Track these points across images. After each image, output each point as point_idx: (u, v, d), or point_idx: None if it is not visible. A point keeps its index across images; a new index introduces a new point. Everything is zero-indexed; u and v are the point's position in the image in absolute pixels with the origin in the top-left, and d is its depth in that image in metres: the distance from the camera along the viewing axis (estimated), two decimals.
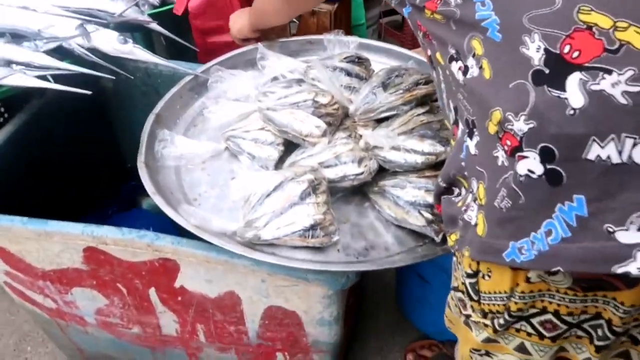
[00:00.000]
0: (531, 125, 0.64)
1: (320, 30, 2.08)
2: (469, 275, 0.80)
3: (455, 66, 0.77)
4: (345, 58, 1.37)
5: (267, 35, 1.56)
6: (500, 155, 0.69)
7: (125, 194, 1.90)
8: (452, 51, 0.77)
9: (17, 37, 1.38)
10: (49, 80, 1.30)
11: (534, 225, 0.66)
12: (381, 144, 1.15)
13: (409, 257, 1.07)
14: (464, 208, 0.78)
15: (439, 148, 1.12)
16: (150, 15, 1.72)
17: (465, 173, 0.79)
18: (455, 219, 0.81)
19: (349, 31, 2.36)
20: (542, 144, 0.63)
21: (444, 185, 0.87)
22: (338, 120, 1.25)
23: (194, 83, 1.47)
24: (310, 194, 1.08)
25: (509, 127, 0.66)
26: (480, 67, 0.71)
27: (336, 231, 1.08)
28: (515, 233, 0.67)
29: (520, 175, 0.65)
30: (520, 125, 0.64)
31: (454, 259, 0.88)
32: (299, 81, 1.40)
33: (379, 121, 1.24)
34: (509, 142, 0.67)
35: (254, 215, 1.08)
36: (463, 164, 0.79)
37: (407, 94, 1.18)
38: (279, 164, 1.26)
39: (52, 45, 1.34)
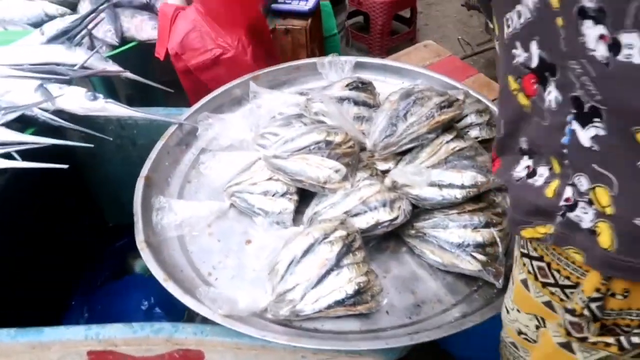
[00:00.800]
0: None
1: (295, 49, 1.94)
2: (594, 300, 0.66)
3: (593, 31, 0.54)
4: (347, 85, 1.23)
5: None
6: None
7: (113, 258, 1.71)
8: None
9: None
10: (14, 158, 1.12)
11: None
12: (412, 182, 1.03)
13: (469, 309, 0.95)
14: (562, 202, 0.63)
15: (481, 179, 1.00)
16: (111, 57, 1.55)
17: (565, 162, 0.63)
18: (542, 210, 0.65)
19: (322, 43, 2.23)
20: None
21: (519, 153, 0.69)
22: (356, 159, 1.11)
23: (179, 134, 1.30)
24: (347, 253, 0.94)
25: None
26: None
27: (382, 291, 0.94)
28: None
29: None
30: None
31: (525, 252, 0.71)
32: (299, 116, 1.26)
33: (401, 153, 1.12)
34: None
35: (285, 287, 0.93)
36: (565, 150, 0.62)
37: (432, 121, 1.05)
38: (296, 215, 1.11)
39: (12, 116, 1.15)
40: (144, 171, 1.19)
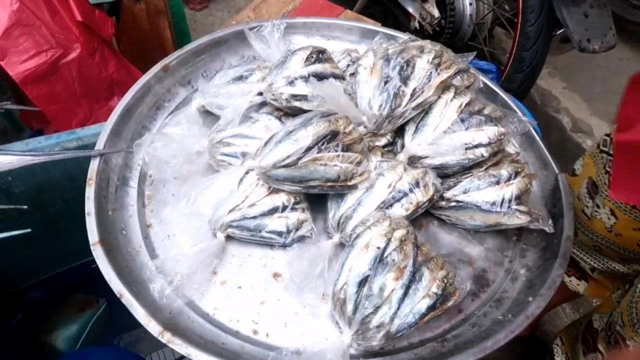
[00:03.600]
0: None
1: (153, 17, 1.58)
2: None
3: None
4: (306, 61, 1.04)
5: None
6: None
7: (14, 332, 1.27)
8: None
9: None
10: None
11: None
12: (433, 152, 0.95)
13: (528, 260, 0.95)
14: None
15: (502, 130, 0.96)
16: None
17: None
18: None
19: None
20: None
21: None
22: (366, 143, 0.97)
23: (105, 167, 0.96)
24: (418, 252, 0.84)
25: None
26: None
27: (456, 276, 0.88)
28: None
29: None
30: None
31: None
32: (260, 106, 1.05)
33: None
34: None
35: (365, 313, 0.80)
36: None
37: (436, 82, 0.96)
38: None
39: None
40: (93, 235, 0.85)
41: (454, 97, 0.99)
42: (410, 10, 2.12)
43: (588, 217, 1.14)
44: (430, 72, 0.97)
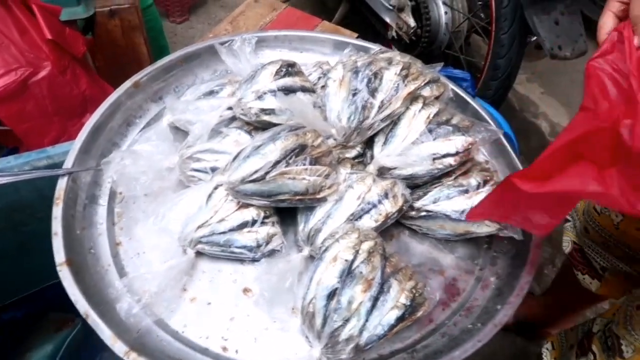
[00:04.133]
0: None
1: (128, 33, 1.58)
2: None
3: None
4: (275, 75, 1.05)
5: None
6: None
7: None
8: None
9: None
10: None
11: None
12: (402, 163, 0.96)
13: (498, 268, 0.95)
14: None
15: (470, 139, 0.97)
16: None
17: None
18: None
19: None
20: None
21: None
22: (334, 155, 0.97)
23: (73, 186, 0.96)
24: (387, 263, 0.84)
25: None
26: None
27: (425, 286, 0.88)
28: None
29: None
30: None
31: None
32: (230, 121, 1.05)
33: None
34: None
35: (333, 326, 0.80)
36: None
37: (403, 94, 0.97)
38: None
39: None
40: (60, 255, 0.85)
41: (422, 107, 1.00)
42: (387, 20, 2.14)
43: (598, 213, 1.17)
44: (398, 84, 0.98)
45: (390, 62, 1.03)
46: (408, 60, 1.05)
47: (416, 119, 0.99)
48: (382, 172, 0.98)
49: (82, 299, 0.79)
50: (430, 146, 0.96)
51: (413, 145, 0.97)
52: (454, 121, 1.00)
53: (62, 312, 1.38)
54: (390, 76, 0.98)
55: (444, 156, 0.96)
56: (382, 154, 0.97)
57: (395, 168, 0.97)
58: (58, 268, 0.83)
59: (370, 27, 2.41)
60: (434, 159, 0.96)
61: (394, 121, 0.99)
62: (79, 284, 0.82)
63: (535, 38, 1.73)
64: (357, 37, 1.56)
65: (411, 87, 0.98)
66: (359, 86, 0.97)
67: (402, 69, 1.00)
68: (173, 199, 0.93)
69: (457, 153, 0.96)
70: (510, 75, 1.75)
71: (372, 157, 1.00)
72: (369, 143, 1.02)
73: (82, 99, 1.29)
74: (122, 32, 1.54)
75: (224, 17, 2.49)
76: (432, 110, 1.00)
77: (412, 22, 2.03)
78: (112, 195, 0.99)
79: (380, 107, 0.96)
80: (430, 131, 0.97)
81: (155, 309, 0.85)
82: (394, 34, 2.16)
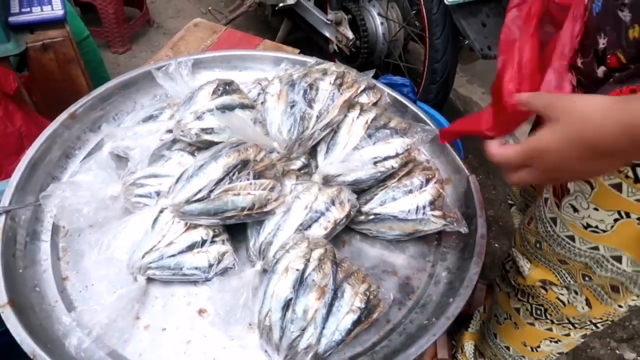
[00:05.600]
0: None
1: (64, 66, 1.55)
2: None
3: None
4: (213, 94, 1.05)
5: None
6: None
7: None
8: None
9: None
10: None
11: None
12: (345, 169, 0.98)
13: (449, 262, 0.98)
14: None
15: (408, 141, 1.00)
16: None
17: None
18: None
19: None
20: None
21: None
22: (278, 168, 0.98)
23: (11, 223, 0.93)
24: (338, 268, 0.85)
25: None
26: None
27: (379, 288, 0.89)
28: None
29: None
30: None
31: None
32: (172, 143, 1.04)
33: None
34: None
35: (291, 337, 0.80)
36: None
37: (339, 102, 0.99)
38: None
39: None
40: (2, 296, 0.82)
41: (359, 114, 1.03)
42: (327, 34, 2.18)
43: (534, 188, 1.23)
44: (333, 93, 1.00)
45: (325, 72, 1.05)
46: (342, 70, 1.08)
47: (355, 125, 1.01)
48: (328, 180, 0.99)
49: (28, 338, 0.76)
50: (370, 150, 0.98)
51: (354, 151, 0.99)
52: (391, 124, 1.03)
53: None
54: (326, 86, 1.01)
55: (385, 159, 0.98)
56: (325, 163, 0.99)
57: (339, 175, 0.99)
58: (0, 310, 0.80)
59: (314, 43, 2.45)
60: (376, 162, 0.98)
61: (334, 129, 1.01)
62: (24, 323, 0.79)
63: (467, 41, 1.81)
64: (299, 53, 1.59)
65: (346, 94, 1.00)
66: (296, 98, 0.99)
67: (336, 78, 1.02)
68: (117, 226, 0.91)
69: (397, 155, 0.99)
70: (448, 77, 1.82)
71: (316, 167, 1.01)
72: (313, 153, 1.04)
73: (18, 136, 1.25)
74: (58, 65, 1.51)
75: (165, 44, 2.47)
76: (370, 115, 1.03)
77: (350, 35, 2.08)
78: (55, 229, 0.96)
79: (318, 117, 0.98)
80: (369, 136, 1.00)
81: (108, 341, 0.82)
82: (335, 47, 2.20)
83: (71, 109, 1.10)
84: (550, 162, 0.60)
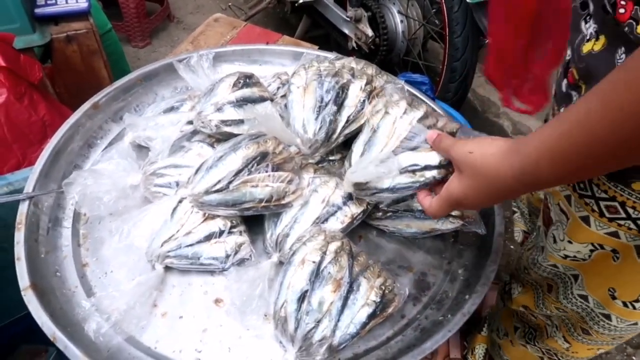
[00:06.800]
0: None
1: (87, 58, 1.57)
2: None
3: None
4: (233, 87, 1.06)
5: None
6: None
7: None
8: None
9: None
10: None
11: None
12: (378, 174, 0.86)
13: (465, 260, 0.98)
14: None
15: None
16: None
17: None
18: None
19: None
20: None
21: None
22: (297, 162, 0.98)
23: (35, 210, 0.94)
24: (354, 262, 0.86)
25: None
26: None
27: (395, 282, 0.89)
28: None
29: None
30: None
31: None
32: (192, 135, 1.06)
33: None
34: None
35: (306, 329, 0.80)
36: None
37: (368, 110, 0.97)
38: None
39: None
40: (24, 280, 0.83)
41: (404, 112, 0.96)
42: (346, 31, 2.18)
43: (532, 194, 1.26)
44: (364, 100, 0.98)
45: (353, 74, 1.03)
46: (370, 72, 1.06)
47: (397, 126, 0.91)
48: (361, 187, 0.90)
49: (49, 322, 0.78)
50: (408, 157, 0.86)
51: (392, 155, 0.86)
52: (439, 125, 0.92)
53: (34, 344, 1.34)
54: (356, 91, 0.99)
55: (424, 169, 0.84)
56: (353, 168, 0.90)
57: (369, 182, 0.88)
58: (23, 292, 0.81)
59: (332, 40, 2.45)
60: (414, 171, 0.85)
61: (373, 128, 0.92)
62: (45, 307, 0.80)
63: (487, 40, 1.79)
64: (318, 49, 1.59)
65: (375, 103, 0.98)
66: (326, 98, 0.97)
67: (366, 84, 1.01)
68: (137, 215, 0.92)
69: (441, 165, 0.84)
70: (467, 76, 1.81)
71: (350, 166, 0.92)
72: (344, 151, 1.01)
73: (42, 125, 1.28)
74: (81, 57, 1.53)
75: (185, 39, 2.50)
76: (417, 114, 0.92)
77: (369, 32, 2.08)
78: (77, 216, 0.98)
79: (346, 122, 0.97)
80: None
81: (126, 327, 0.83)
82: (353, 44, 2.20)
83: (94, 99, 1.12)
84: (468, 204, 0.71)
